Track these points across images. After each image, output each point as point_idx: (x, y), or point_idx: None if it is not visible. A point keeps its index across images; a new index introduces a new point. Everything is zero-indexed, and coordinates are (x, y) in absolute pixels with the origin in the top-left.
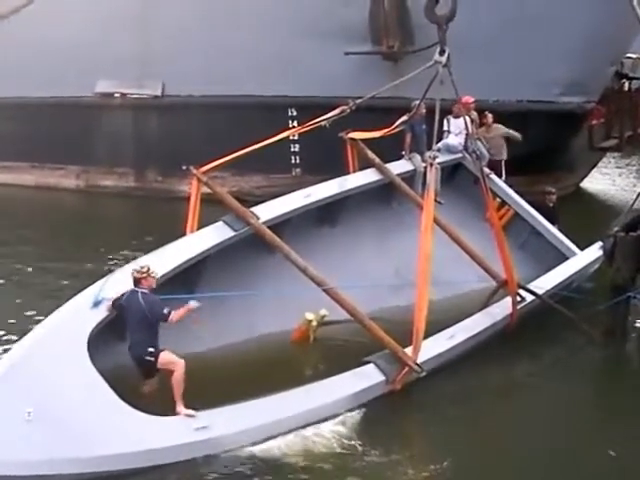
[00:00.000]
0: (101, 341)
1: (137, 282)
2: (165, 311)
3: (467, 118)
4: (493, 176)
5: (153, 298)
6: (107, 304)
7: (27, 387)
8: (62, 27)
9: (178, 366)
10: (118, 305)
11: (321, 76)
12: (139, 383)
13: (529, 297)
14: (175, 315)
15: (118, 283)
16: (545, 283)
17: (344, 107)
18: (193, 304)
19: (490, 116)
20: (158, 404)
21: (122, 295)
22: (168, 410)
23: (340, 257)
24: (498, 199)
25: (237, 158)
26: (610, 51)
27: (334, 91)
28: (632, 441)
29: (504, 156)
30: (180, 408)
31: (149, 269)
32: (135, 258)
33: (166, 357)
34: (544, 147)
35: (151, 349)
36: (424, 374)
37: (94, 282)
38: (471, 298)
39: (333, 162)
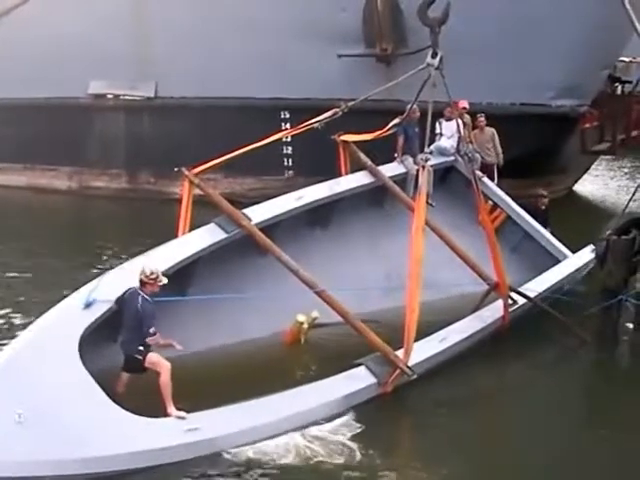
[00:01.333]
0: (92, 342)
1: (142, 285)
2: (151, 330)
3: (459, 121)
4: (485, 179)
5: (149, 310)
6: (99, 305)
7: (18, 388)
8: (55, 28)
9: (164, 368)
10: (120, 299)
11: (314, 78)
12: (117, 383)
13: (521, 300)
14: (155, 339)
15: (110, 284)
16: (537, 286)
17: (336, 109)
18: (177, 347)
19: (483, 119)
20: (149, 406)
21: (126, 290)
22: (159, 412)
23: (332, 259)
24: (490, 202)
25: (230, 160)
26: (603, 54)
27: (327, 93)
28: (625, 443)
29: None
30: (171, 410)
31: (158, 277)
32: (127, 259)
33: (153, 358)
34: (537, 150)
35: (141, 348)
36: (415, 377)
37: (86, 283)
38: (463, 301)
39: (326, 164)
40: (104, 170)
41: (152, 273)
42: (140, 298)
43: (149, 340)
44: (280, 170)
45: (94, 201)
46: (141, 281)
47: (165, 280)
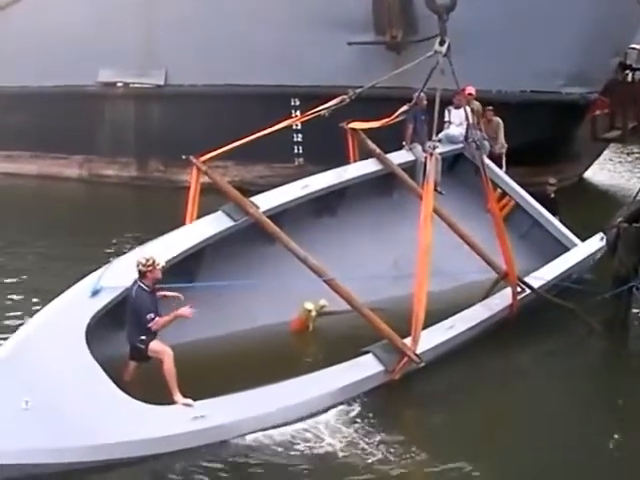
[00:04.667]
0: (99, 330)
1: (142, 275)
2: (149, 317)
3: (467, 108)
4: (494, 167)
5: (142, 301)
6: (106, 293)
7: (25, 376)
8: (64, 16)
9: (166, 356)
10: (127, 291)
11: (324, 66)
12: (124, 371)
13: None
14: (158, 324)
15: (117, 272)
16: (545, 274)
17: (344, 96)
18: (184, 311)
19: (492, 112)
20: (156, 393)
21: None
22: (166, 399)
23: (340, 247)
24: (499, 190)
25: (239, 147)
26: (614, 42)
27: (337, 81)
28: (632, 430)
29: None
30: (177, 397)
31: (154, 262)
32: (135, 247)
33: (155, 346)
34: (547, 138)
35: (142, 337)
36: (423, 364)
37: (93, 271)
38: (471, 289)
39: (336, 152)
40: (114, 158)
41: (147, 260)
42: (135, 288)
43: (153, 326)
44: (290, 158)
45: (104, 189)
46: (140, 272)
47: (162, 262)
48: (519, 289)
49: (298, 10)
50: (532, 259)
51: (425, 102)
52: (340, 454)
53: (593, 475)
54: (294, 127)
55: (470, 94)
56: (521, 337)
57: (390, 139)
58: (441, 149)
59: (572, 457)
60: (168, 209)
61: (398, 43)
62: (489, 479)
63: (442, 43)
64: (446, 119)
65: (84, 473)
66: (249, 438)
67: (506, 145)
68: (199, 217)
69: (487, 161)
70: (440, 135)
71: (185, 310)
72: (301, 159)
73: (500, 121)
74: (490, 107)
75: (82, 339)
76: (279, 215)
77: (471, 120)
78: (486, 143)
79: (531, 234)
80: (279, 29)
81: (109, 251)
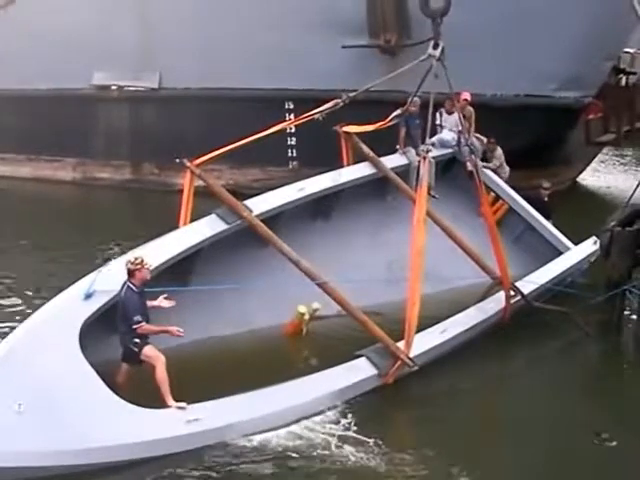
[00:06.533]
0: (93, 333)
1: (130, 274)
2: (135, 319)
3: (460, 115)
4: (487, 171)
5: (132, 299)
6: (99, 296)
7: (18, 379)
8: (59, 18)
9: (159, 362)
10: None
11: (318, 69)
12: (117, 373)
13: (525, 291)
14: (144, 328)
15: (110, 275)
16: (539, 278)
17: (337, 100)
18: (173, 329)
19: (492, 143)
20: (149, 397)
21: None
22: (159, 402)
23: (333, 251)
24: (492, 193)
25: (232, 151)
26: (607, 46)
27: (331, 84)
28: (630, 435)
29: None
30: (171, 403)
31: (143, 261)
32: (129, 250)
33: (148, 351)
34: (541, 141)
35: (136, 340)
36: (416, 368)
37: (87, 274)
38: (465, 293)
39: (330, 155)
40: (108, 161)
41: (136, 259)
42: (125, 288)
43: (138, 329)
44: (284, 161)
45: (98, 192)
46: (129, 271)
47: (151, 264)
48: (512, 293)
49: (292, 13)
50: (525, 263)
51: (417, 107)
52: (333, 457)
53: (590, 476)
54: (288, 130)
55: (465, 100)
56: (515, 340)
57: (385, 142)
58: (434, 153)
59: (568, 459)
60: (162, 212)
61: (392, 47)
62: None
63: (436, 47)
64: (437, 122)
65: (78, 476)
66: (243, 441)
67: (508, 171)
68: (193, 220)
69: (480, 165)
70: (433, 139)
71: (174, 329)
72: (295, 162)
73: (500, 150)
74: (493, 139)
75: (75, 342)
76: (273, 218)
77: (464, 125)
78: (478, 146)
79: (524, 238)
80: (273, 32)
81: (102, 254)
